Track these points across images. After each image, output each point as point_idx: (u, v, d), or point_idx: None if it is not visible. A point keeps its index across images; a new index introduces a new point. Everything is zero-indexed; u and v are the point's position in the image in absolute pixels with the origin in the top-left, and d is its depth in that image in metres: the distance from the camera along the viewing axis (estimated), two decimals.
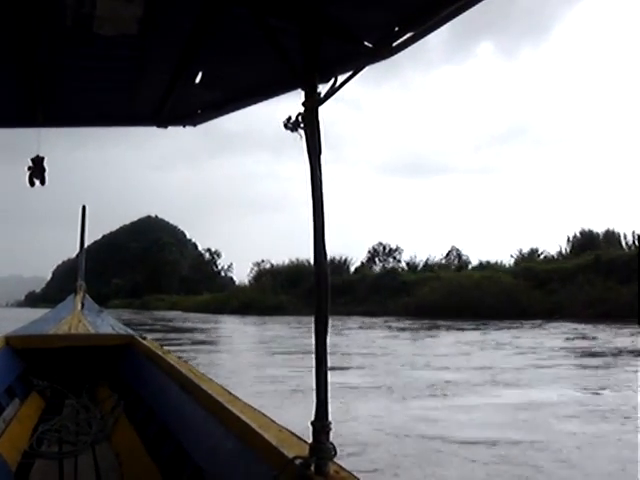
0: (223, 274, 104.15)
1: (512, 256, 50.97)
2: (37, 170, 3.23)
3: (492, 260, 51.42)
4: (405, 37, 1.97)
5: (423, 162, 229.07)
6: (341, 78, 2.10)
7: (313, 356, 1.95)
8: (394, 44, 2.00)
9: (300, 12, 2.02)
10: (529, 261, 46.79)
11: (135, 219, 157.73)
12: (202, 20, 2.18)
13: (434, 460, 6.05)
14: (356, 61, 2.12)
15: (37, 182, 3.25)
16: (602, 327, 23.42)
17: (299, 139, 2.02)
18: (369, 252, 68.10)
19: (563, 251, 47.48)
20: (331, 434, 1.88)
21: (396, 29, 1.98)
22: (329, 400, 1.92)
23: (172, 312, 57.02)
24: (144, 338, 5.12)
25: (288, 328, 26.28)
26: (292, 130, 2.03)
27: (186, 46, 2.38)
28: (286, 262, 61.92)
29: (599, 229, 46.76)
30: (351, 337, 21.54)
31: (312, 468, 1.83)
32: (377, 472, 5.58)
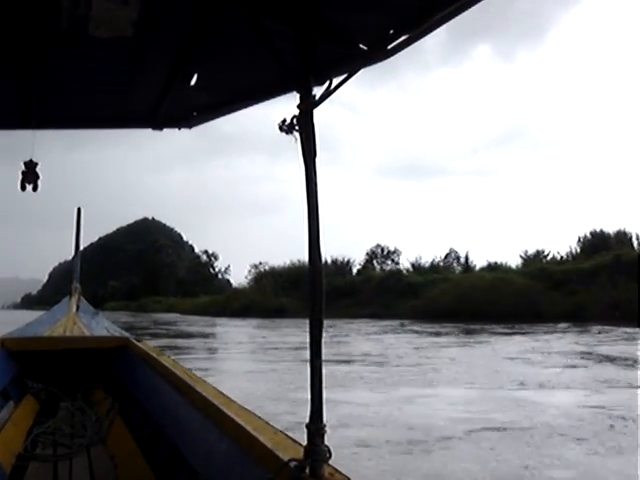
0: (220, 276, 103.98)
1: (522, 257, 50.55)
2: (30, 175, 3.21)
3: (491, 262, 50.90)
4: (400, 40, 1.96)
5: (420, 164, 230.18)
6: (336, 81, 2.10)
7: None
8: (389, 47, 1.99)
9: (295, 15, 2.02)
10: (537, 262, 46.00)
11: (132, 221, 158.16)
12: (197, 22, 2.18)
13: None
14: (351, 64, 2.12)
15: (30, 187, 3.23)
16: None
17: (295, 141, 2.02)
18: (367, 254, 68.26)
19: (573, 252, 46.97)
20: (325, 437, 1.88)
21: (391, 32, 1.97)
22: (324, 402, 1.91)
23: (170, 315, 56.34)
24: (138, 340, 5.11)
25: (304, 332, 24.12)
26: (287, 132, 2.03)
27: (181, 48, 2.38)
28: (287, 263, 61.34)
29: (610, 229, 46.33)
30: (386, 343, 19.97)
31: (307, 471, 1.83)
32: None
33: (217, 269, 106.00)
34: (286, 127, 2.03)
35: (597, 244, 43.40)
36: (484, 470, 5.94)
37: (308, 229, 1.97)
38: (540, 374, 12.18)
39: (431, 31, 1.90)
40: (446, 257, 59.69)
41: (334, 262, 62.16)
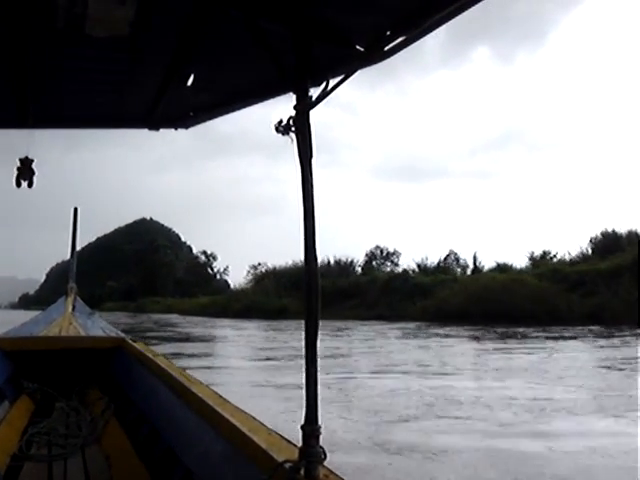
0: (219, 277, 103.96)
1: (529, 258, 49.73)
2: (25, 171, 3.21)
3: (500, 263, 49.47)
4: (397, 41, 1.96)
5: (418, 166, 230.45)
6: (333, 82, 2.10)
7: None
8: (386, 48, 1.99)
9: (292, 15, 2.02)
10: (547, 264, 45.05)
11: (130, 221, 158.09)
12: (194, 22, 2.18)
13: None
14: (348, 65, 2.11)
15: (25, 184, 3.23)
16: None
17: (292, 142, 2.02)
18: (366, 255, 68.20)
19: (584, 252, 45.66)
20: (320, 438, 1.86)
21: (388, 33, 1.97)
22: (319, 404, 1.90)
23: (170, 315, 55.59)
24: (132, 341, 5.10)
25: (326, 336, 21.77)
26: (283, 134, 2.02)
27: (178, 48, 2.38)
28: (289, 263, 60.09)
29: (621, 230, 44.87)
30: (436, 350, 17.66)
31: (302, 472, 1.83)
32: None
33: (216, 269, 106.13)
34: (282, 128, 2.02)
35: (609, 245, 42.16)
36: None
37: (304, 230, 1.97)
38: None
39: (429, 32, 1.89)
40: (445, 259, 59.60)
41: (337, 262, 61.58)
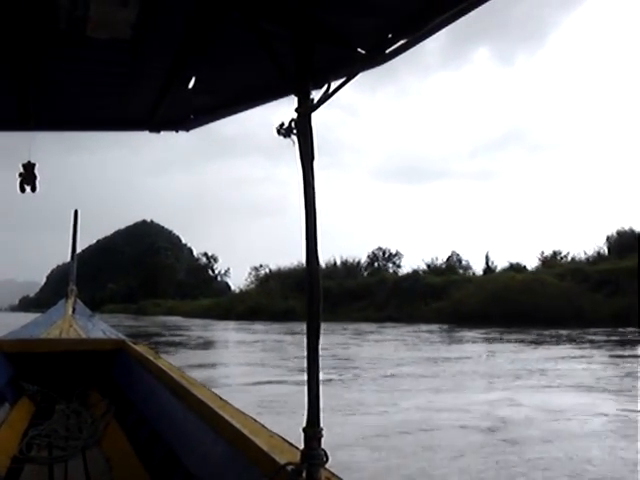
0: (219, 279, 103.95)
1: (543, 258, 49.00)
2: (28, 176, 3.22)
3: (512, 262, 48.88)
4: (399, 44, 1.96)
5: (420, 167, 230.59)
6: (334, 84, 2.09)
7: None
8: (387, 51, 1.99)
9: (293, 18, 2.02)
10: (564, 263, 44.17)
11: (130, 223, 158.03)
12: (195, 25, 2.18)
13: None
14: (349, 67, 2.11)
15: (28, 189, 3.24)
16: None
17: (293, 144, 2.02)
18: (369, 257, 68.04)
19: (598, 252, 44.91)
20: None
21: (389, 36, 1.97)
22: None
23: (173, 318, 54.85)
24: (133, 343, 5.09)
25: (349, 338, 20.76)
26: (285, 136, 2.02)
27: (179, 51, 2.38)
28: (294, 264, 58.58)
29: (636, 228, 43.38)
30: (502, 360, 15.73)
31: (304, 474, 1.82)
32: None
33: (217, 271, 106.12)
34: (284, 130, 2.02)
35: (626, 243, 40.53)
36: None
37: (305, 232, 1.96)
38: None
39: (430, 35, 1.89)
40: (448, 260, 59.42)
41: (344, 263, 60.93)
